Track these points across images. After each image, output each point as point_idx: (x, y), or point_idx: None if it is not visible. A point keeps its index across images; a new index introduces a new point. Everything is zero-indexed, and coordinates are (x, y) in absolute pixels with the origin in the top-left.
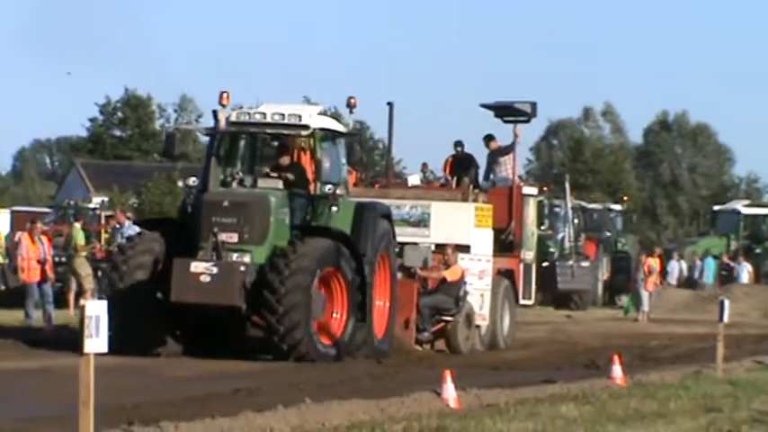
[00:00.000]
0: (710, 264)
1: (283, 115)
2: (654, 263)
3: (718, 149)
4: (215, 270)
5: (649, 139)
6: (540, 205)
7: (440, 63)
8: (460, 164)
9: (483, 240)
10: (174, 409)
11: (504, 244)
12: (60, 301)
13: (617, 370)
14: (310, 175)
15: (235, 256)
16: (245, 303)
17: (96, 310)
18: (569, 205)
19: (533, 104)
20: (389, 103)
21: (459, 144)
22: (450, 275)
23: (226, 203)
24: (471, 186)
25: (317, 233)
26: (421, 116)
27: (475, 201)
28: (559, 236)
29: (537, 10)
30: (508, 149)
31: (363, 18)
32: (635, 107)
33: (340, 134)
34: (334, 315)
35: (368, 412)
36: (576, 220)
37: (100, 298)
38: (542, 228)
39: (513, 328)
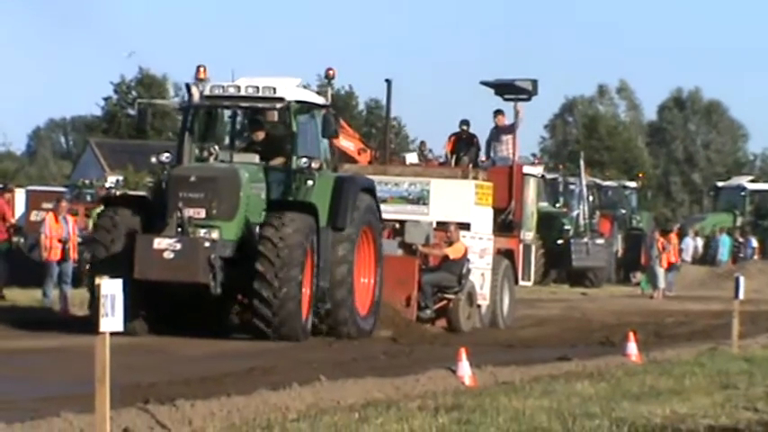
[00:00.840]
0: (726, 241)
1: (257, 88)
2: (668, 240)
3: (731, 126)
4: (178, 246)
5: (663, 116)
6: (554, 182)
7: (450, 41)
8: (462, 143)
9: (483, 219)
10: (190, 388)
11: (504, 224)
12: (78, 281)
13: (632, 347)
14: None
15: (202, 232)
16: (212, 281)
17: (112, 289)
18: (584, 183)
19: (534, 82)
20: (388, 80)
21: (465, 123)
22: (452, 253)
23: (193, 178)
24: (470, 165)
25: (292, 208)
26: (427, 94)
27: (475, 178)
28: (574, 213)
29: None
30: (510, 128)
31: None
32: (649, 84)
33: (318, 106)
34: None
35: (383, 390)
36: (590, 198)
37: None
38: (557, 205)
39: (512, 309)
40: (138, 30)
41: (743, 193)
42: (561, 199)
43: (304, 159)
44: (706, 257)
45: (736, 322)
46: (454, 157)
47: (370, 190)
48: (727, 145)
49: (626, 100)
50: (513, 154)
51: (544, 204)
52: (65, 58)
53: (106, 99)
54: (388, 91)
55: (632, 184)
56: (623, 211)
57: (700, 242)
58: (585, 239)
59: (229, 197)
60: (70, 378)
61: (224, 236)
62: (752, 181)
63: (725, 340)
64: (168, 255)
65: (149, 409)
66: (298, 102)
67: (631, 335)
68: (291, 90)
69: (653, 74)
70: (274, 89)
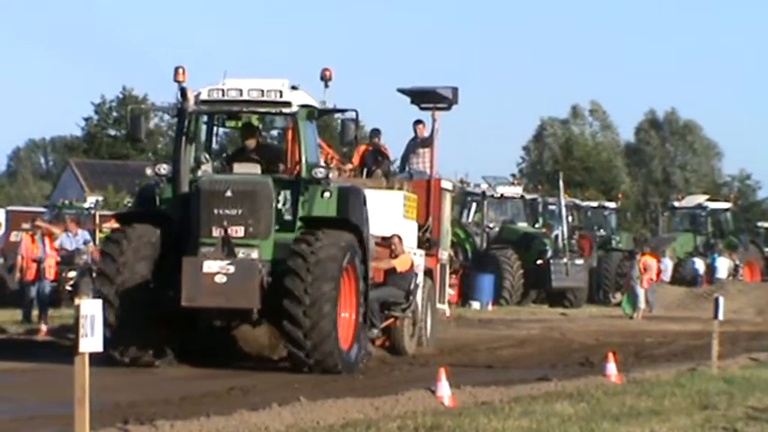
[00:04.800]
0: (721, 260)
1: (262, 91)
2: (649, 260)
3: (707, 146)
4: (231, 269)
5: (640, 136)
6: (534, 203)
7: (418, 58)
8: (370, 155)
9: (410, 233)
10: (170, 408)
11: (421, 241)
12: (57, 301)
13: (612, 367)
14: (289, 158)
15: (241, 253)
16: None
17: (91, 310)
18: (563, 203)
19: (455, 90)
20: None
21: (376, 133)
22: (400, 265)
23: (229, 193)
24: (385, 178)
25: (332, 225)
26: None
27: (401, 189)
28: (553, 234)
29: (525, 10)
30: (428, 140)
31: None
32: (622, 106)
33: (327, 111)
34: (343, 315)
35: (362, 411)
36: (569, 218)
37: (95, 298)
38: (536, 225)
39: (434, 330)
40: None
41: (703, 213)
42: (540, 219)
43: (321, 169)
44: (684, 278)
45: (715, 343)
46: (365, 170)
47: (366, 202)
48: (703, 165)
49: (599, 121)
50: (431, 167)
51: (523, 225)
52: (45, 78)
53: (87, 119)
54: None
55: (611, 205)
56: (602, 232)
57: (670, 263)
58: (565, 260)
59: (266, 213)
60: (50, 398)
61: (263, 256)
62: (709, 200)
63: (704, 361)
64: (220, 279)
65: (129, 429)
66: (303, 106)
67: (611, 355)
68: (295, 93)
69: (626, 95)
70: (281, 92)
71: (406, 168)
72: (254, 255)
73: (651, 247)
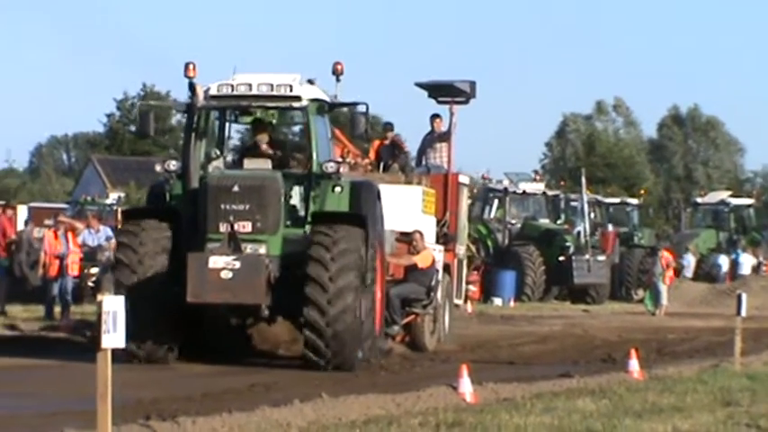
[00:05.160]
0: (746, 256)
1: (272, 86)
2: (670, 257)
3: (729, 142)
4: (237, 265)
5: (663, 132)
6: (556, 199)
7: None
8: (386, 149)
9: (429, 229)
10: (192, 405)
11: (438, 236)
12: (80, 297)
13: (634, 364)
14: (299, 153)
15: (249, 248)
16: (269, 302)
17: (113, 306)
18: (585, 199)
19: (472, 83)
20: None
21: (389, 128)
22: (421, 261)
23: (236, 188)
24: (402, 172)
25: (342, 220)
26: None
27: (419, 184)
28: (576, 230)
29: (546, 5)
30: (446, 134)
31: None
32: (645, 102)
33: (337, 105)
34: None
35: (384, 407)
36: (592, 215)
37: (116, 289)
38: (558, 222)
39: (452, 326)
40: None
41: (726, 209)
42: (562, 216)
43: (331, 164)
44: (708, 273)
45: (738, 339)
46: (381, 164)
47: (380, 197)
48: (725, 161)
49: (623, 117)
50: (449, 162)
51: (545, 221)
52: (67, 74)
53: (109, 116)
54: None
55: (634, 201)
56: (625, 228)
57: (693, 259)
58: (587, 256)
59: (275, 208)
60: (72, 395)
61: (271, 251)
62: (732, 196)
63: (727, 357)
64: (226, 274)
65: (151, 425)
66: (314, 100)
67: (633, 352)
68: (306, 87)
69: (649, 91)
70: (291, 86)
71: (423, 163)
72: (262, 250)
73: (673, 244)
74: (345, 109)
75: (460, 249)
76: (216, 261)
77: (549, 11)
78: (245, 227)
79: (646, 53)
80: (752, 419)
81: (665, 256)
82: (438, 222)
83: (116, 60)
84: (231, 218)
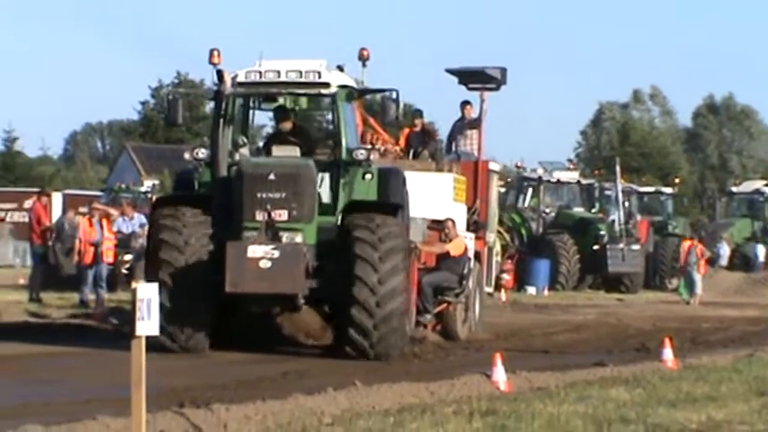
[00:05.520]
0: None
1: (300, 72)
2: (685, 245)
3: (762, 130)
4: (276, 254)
5: (698, 121)
6: (590, 188)
7: (477, 41)
8: (416, 136)
9: (460, 216)
10: (226, 392)
11: (469, 224)
12: (114, 284)
13: (668, 353)
14: (323, 140)
15: (285, 237)
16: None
17: (148, 293)
18: (620, 188)
19: (503, 70)
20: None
21: (418, 115)
22: (454, 249)
23: (272, 176)
24: (432, 159)
25: (378, 209)
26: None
27: (450, 171)
28: (610, 218)
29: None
30: (476, 121)
31: None
32: (681, 91)
33: (367, 91)
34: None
35: (418, 395)
36: (626, 203)
37: (161, 270)
38: (593, 211)
39: (482, 314)
40: (176, 33)
41: (761, 198)
42: (597, 205)
43: (362, 151)
44: (744, 263)
45: None
46: (411, 152)
47: (405, 182)
48: (760, 150)
49: (659, 106)
50: (479, 149)
51: (580, 210)
52: (101, 62)
53: (143, 103)
54: None
55: (668, 190)
56: (659, 217)
57: (727, 248)
58: (621, 245)
59: (310, 196)
60: (106, 381)
61: (306, 239)
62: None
63: (762, 347)
64: (265, 264)
65: (185, 412)
66: (342, 86)
67: (667, 341)
68: (334, 74)
69: (685, 80)
70: (319, 73)
71: (453, 150)
72: (298, 239)
73: (708, 233)
74: (377, 96)
75: (491, 237)
76: (255, 250)
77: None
78: (281, 215)
79: (682, 41)
80: None
81: (700, 245)
82: (468, 210)
83: (150, 48)
84: (268, 206)
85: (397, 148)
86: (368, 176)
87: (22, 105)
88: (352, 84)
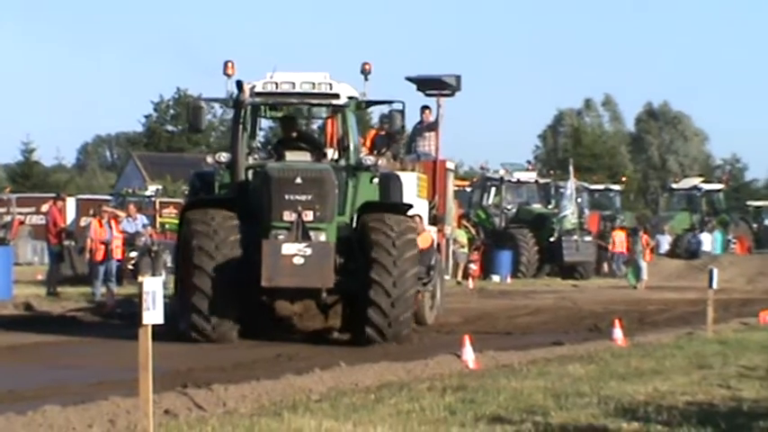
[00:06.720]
0: (717, 237)
1: (313, 84)
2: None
3: (694, 132)
4: (308, 251)
5: (641, 126)
6: (547, 186)
7: (435, 53)
8: (380, 138)
9: (423, 211)
10: (224, 374)
11: (428, 217)
12: (119, 279)
13: (618, 332)
14: (328, 145)
15: (312, 236)
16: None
17: (153, 286)
18: (573, 186)
19: (458, 78)
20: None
21: (385, 120)
22: (422, 242)
23: (299, 180)
24: (394, 160)
25: (394, 210)
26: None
27: (413, 170)
28: (561, 214)
29: (540, 9)
30: (433, 125)
31: None
32: (625, 98)
33: (374, 102)
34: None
35: (396, 374)
36: (579, 200)
37: (195, 270)
38: (549, 207)
39: (443, 299)
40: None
41: (698, 193)
42: (553, 201)
43: (370, 157)
44: (684, 251)
45: (710, 309)
46: (376, 152)
47: (402, 185)
48: (692, 150)
49: (610, 112)
50: (437, 149)
51: (538, 206)
52: (111, 79)
53: (147, 116)
54: None
55: (616, 188)
56: (608, 212)
57: (669, 238)
58: (575, 237)
59: (332, 198)
60: (116, 366)
61: (329, 238)
62: (704, 182)
63: (701, 325)
64: (298, 260)
65: (188, 392)
66: (351, 98)
67: (617, 321)
68: (342, 85)
69: (630, 87)
70: (330, 85)
71: (413, 150)
72: (322, 237)
73: (651, 225)
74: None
75: (448, 229)
76: (289, 248)
77: (547, 12)
78: (307, 216)
79: (625, 53)
80: (723, 380)
81: (645, 236)
82: (428, 205)
83: (152, 66)
84: (299, 207)
85: (365, 149)
86: (375, 180)
87: (38, 119)
88: (357, 95)
